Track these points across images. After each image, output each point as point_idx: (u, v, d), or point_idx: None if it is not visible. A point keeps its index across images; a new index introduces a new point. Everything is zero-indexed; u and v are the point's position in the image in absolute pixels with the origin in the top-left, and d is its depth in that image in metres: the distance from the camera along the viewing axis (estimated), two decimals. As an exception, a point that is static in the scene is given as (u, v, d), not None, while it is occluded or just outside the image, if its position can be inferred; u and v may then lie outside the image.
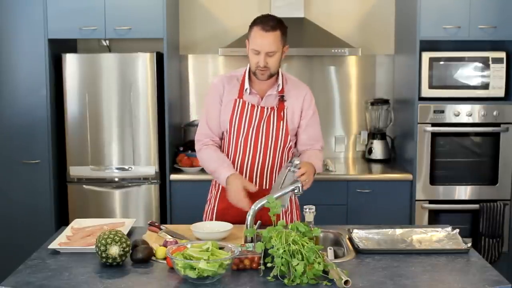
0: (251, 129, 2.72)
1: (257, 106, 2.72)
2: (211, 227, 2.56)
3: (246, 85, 2.73)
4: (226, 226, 2.55)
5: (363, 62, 4.47)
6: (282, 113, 2.73)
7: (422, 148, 3.93)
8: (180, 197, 3.92)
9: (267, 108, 2.72)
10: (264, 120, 2.72)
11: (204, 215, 2.87)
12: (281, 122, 2.73)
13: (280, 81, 2.74)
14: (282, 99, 2.74)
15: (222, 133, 2.81)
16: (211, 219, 2.79)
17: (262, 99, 2.74)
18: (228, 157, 2.77)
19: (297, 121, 2.78)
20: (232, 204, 2.64)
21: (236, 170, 2.73)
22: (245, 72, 2.77)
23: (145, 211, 4.00)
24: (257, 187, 2.68)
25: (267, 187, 2.75)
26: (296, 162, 2.53)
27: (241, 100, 2.74)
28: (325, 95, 4.50)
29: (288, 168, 2.54)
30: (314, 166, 2.65)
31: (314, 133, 2.83)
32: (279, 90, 2.74)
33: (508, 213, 3.94)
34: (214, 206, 2.83)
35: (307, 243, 2.08)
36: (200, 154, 2.81)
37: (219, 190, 2.81)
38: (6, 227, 4.01)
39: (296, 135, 2.82)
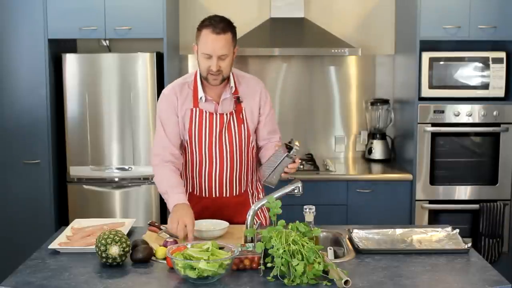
0: (213, 138, 2.64)
1: (216, 114, 2.63)
2: (207, 226, 2.57)
3: (200, 93, 2.63)
4: (222, 225, 2.56)
5: (363, 62, 4.47)
6: (241, 116, 2.66)
7: (422, 148, 3.93)
8: (180, 197, 3.92)
9: (226, 114, 2.64)
10: (225, 127, 2.64)
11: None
12: (242, 125, 2.66)
13: (232, 83, 2.65)
14: (238, 100, 2.66)
15: (181, 144, 2.72)
16: None
17: (218, 105, 2.65)
18: (194, 168, 2.70)
19: (256, 119, 2.71)
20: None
21: (205, 180, 2.69)
22: (195, 78, 2.66)
23: (145, 211, 4.00)
24: (227, 195, 2.70)
25: (237, 193, 2.72)
26: (296, 149, 2.43)
27: (197, 109, 2.63)
28: (325, 95, 4.50)
29: (287, 154, 2.44)
30: None
31: (272, 127, 2.77)
32: (233, 92, 2.65)
33: (508, 213, 3.94)
34: None
35: (307, 243, 2.07)
36: (156, 171, 2.68)
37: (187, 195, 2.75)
38: (6, 227, 4.01)
39: (255, 131, 2.75)
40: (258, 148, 2.79)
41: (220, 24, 2.53)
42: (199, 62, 2.58)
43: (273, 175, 2.48)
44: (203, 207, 2.71)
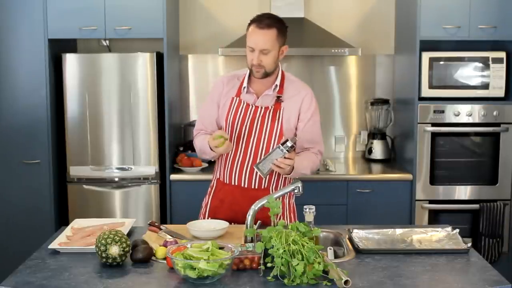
0: (244, 127, 2.72)
1: (252, 105, 2.73)
2: (207, 226, 2.57)
3: (245, 83, 2.76)
4: (222, 224, 2.56)
5: (363, 62, 4.47)
6: (277, 114, 2.72)
7: (422, 148, 3.93)
8: (180, 197, 3.92)
9: (261, 108, 2.72)
10: (258, 119, 2.72)
11: (200, 211, 2.91)
12: (276, 122, 2.71)
13: (278, 82, 2.74)
14: (278, 99, 2.73)
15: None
16: (204, 216, 2.83)
17: (258, 98, 2.75)
18: (222, 154, 2.78)
19: (293, 123, 2.75)
20: (224, 198, 2.76)
21: (228, 166, 2.77)
22: (246, 73, 2.80)
23: (145, 211, 4.00)
24: (245, 185, 2.74)
25: (256, 187, 2.75)
26: (289, 144, 2.52)
27: (237, 98, 2.76)
28: (325, 95, 4.50)
29: (279, 145, 2.54)
30: (296, 163, 2.62)
31: (312, 136, 2.79)
32: (276, 90, 2.74)
33: (508, 213, 3.94)
34: (207, 203, 2.87)
35: (307, 243, 2.08)
36: (194, 142, 2.90)
37: (213, 187, 2.87)
38: (6, 227, 4.01)
39: None
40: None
41: (266, 20, 2.66)
42: (246, 54, 2.72)
43: (264, 162, 2.57)
44: (225, 194, 2.78)
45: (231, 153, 2.75)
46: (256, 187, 2.75)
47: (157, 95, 3.95)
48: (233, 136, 2.74)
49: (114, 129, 3.97)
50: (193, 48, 4.48)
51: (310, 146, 2.80)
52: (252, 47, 2.65)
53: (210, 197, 2.87)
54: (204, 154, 2.82)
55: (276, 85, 2.74)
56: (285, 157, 2.53)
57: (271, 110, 2.72)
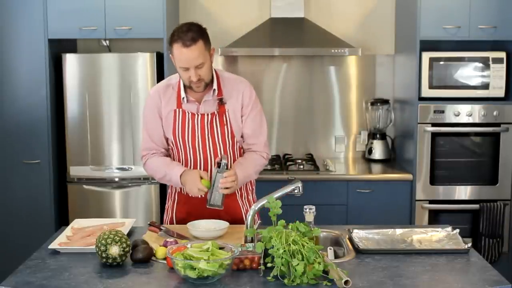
0: (196, 138, 2.65)
1: (197, 114, 2.65)
2: (207, 226, 2.57)
3: (183, 94, 2.65)
4: (222, 225, 2.56)
5: (363, 62, 4.47)
6: (224, 117, 2.65)
7: (422, 148, 3.93)
8: (180, 197, 3.92)
9: (207, 115, 2.64)
10: (207, 127, 2.64)
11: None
12: (225, 126, 2.65)
13: (215, 85, 2.64)
14: (221, 102, 2.66)
15: (167, 144, 2.75)
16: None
17: (200, 105, 2.66)
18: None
19: (240, 120, 2.69)
20: (192, 211, 2.69)
21: None
22: (179, 80, 2.67)
23: (145, 211, 4.00)
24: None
25: None
26: (224, 162, 2.52)
27: (180, 110, 2.66)
28: (325, 95, 4.50)
29: (217, 170, 2.53)
30: (238, 173, 2.60)
31: (255, 128, 2.71)
32: (215, 94, 2.65)
33: (508, 213, 3.94)
34: (172, 217, 2.80)
35: (307, 243, 2.08)
36: (146, 165, 2.77)
37: (175, 202, 2.80)
38: (6, 227, 4.01)
39: None
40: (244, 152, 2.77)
41: (189, 34, 2.47)
42: (179, 73, 2.59)
43: (213, 196, 2.54)
44: (192, 206, 2.72)
45: (191, 165, 2.68)
46: None
47: (157, 95, 3.95)
48: (187, 148, 2.66)
49: (114, 129, 3.97)
50: (193, 48, 4.48)
51: (253, 141, 2.73)
52: (185, 67, 2.50)
53: (174, 212, 2.80)
54: (165, 181, 2.73)
55: (214, 89, 2.64)
56: (225, 177, 2.51)
57: (217, 115, 2.65)
